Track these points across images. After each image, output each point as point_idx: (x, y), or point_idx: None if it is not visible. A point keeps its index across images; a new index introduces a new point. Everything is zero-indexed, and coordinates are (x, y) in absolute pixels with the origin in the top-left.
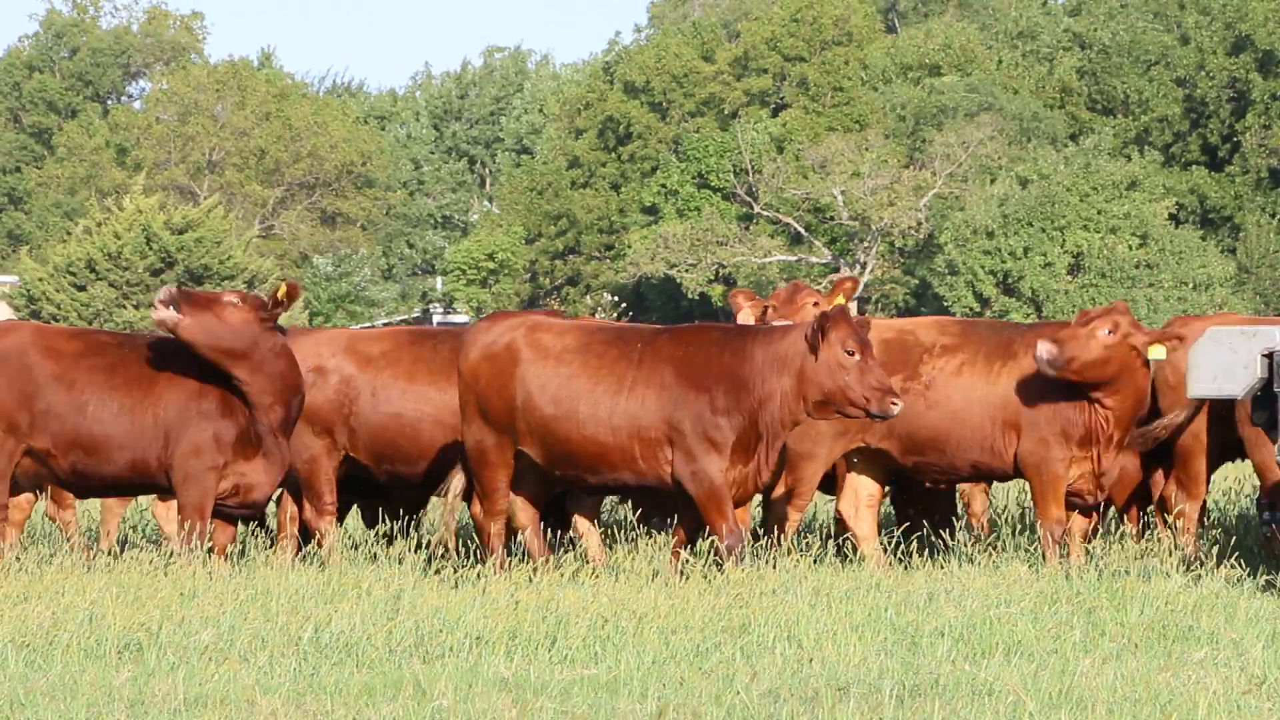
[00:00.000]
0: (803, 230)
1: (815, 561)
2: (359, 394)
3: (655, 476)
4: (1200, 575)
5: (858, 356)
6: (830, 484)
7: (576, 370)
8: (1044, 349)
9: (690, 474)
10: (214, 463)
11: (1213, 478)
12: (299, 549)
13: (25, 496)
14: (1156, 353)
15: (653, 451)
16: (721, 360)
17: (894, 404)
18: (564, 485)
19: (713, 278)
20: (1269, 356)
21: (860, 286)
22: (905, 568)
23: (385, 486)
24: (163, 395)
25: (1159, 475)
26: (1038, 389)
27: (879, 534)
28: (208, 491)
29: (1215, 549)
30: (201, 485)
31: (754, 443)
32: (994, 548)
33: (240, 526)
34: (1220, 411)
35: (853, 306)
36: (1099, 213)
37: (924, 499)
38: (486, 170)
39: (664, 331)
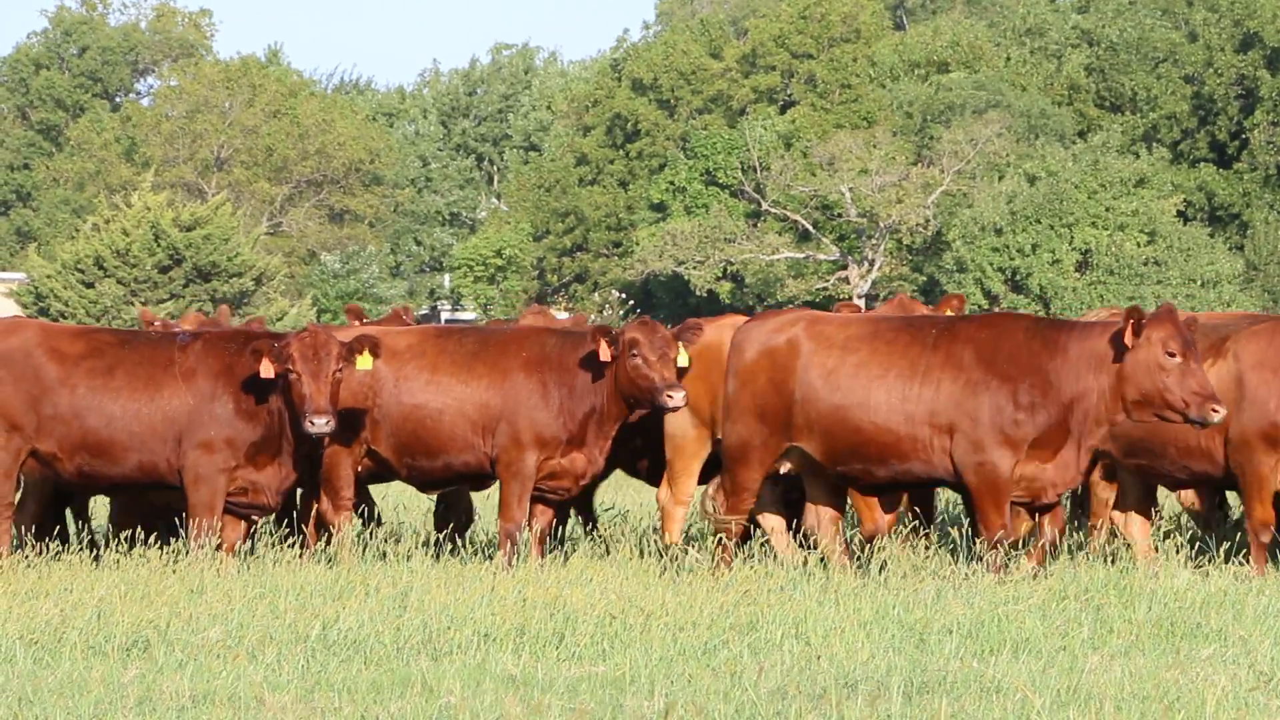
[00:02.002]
0: (810, 227)
1: (822, 559)
2: (383, 386)
3: (945, 468)
4: (1208, 573)
5: (1179, 359)
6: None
7: (866, 357)
8: None
9: (975, 465)
10: (225, 464)
11: None
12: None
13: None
14: None
15: (945, 441)
16: (1029, 351)
17: (1215, 411)
18: (846, 481)
19: (720, 275)
20: None
21: (868, 284)
22: (912, 566)
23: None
24: (173, 397)
25: None
26: (1245, 389)
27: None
28: (218, 492)
29: (1224, 547)
30: (212, 486)
31: (1060, 441)
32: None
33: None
34: None
35: (861, 304)
36: (1107, 210)
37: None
38: (494, 167)
39: (963, 318)
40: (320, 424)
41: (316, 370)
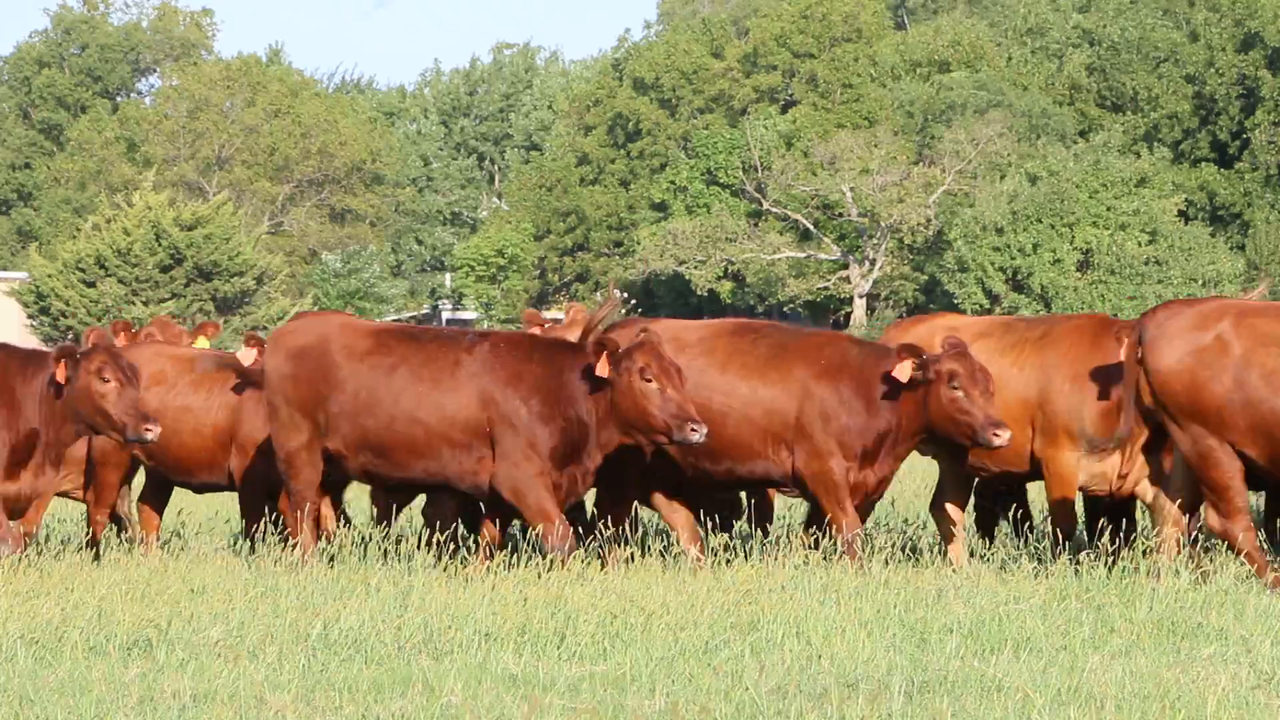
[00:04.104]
0: (811, 227)
1: (824, 558)
2: None
3: None
4: (1209, 572)
5: None
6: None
7: None
8: None
9: None
10: (539, 469)
11: None
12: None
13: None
14: None
15: None
16: None
17: None
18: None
19: (722, 274)
20: None
21: (869, 283)
22: (914, 564)
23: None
24: (469, 400)
25: None
26: None
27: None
28: (544, 492)
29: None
30: (536, 492)
31: None
32: (1002, 545)
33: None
34: None
35: (860, 304)
36: (1108, 209)
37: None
38: (496, 167)
39: None
40: (703, 431)
41: (674, 376)
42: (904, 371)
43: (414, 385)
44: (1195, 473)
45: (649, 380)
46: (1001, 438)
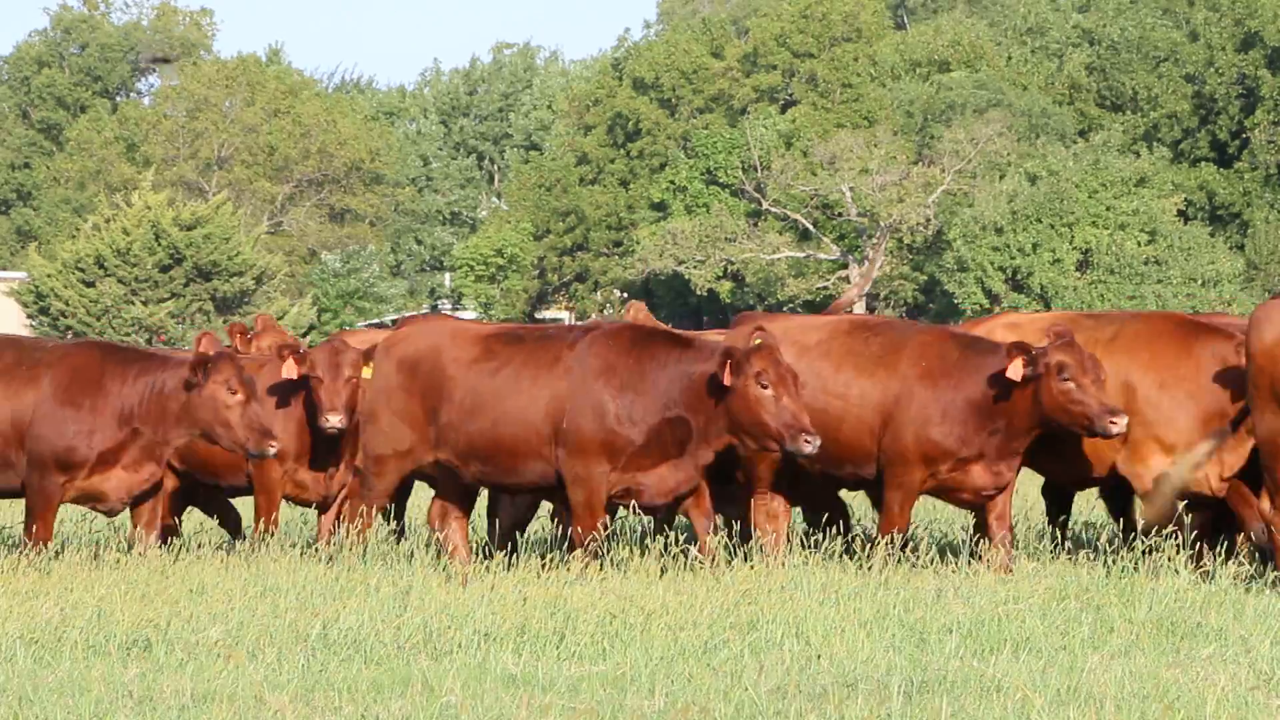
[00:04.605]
0: (811, 227)
1: (824, 559)
2: None
3: None
4: (1209, 572)
5: None
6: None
7: None
8: None
9: None
10: (605, 469)
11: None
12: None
13: None
14: None
15: None
16: None
17: None
18: None
19: (721, 274)
20: None
21: (869, 282)
22: (913, 565)
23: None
24: (560, 398)
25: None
26: None
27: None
28: (596, 492)
29: (1224, 545)
30: (589, 486)
31: None
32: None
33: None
34: None
35: (860, 305)
36: (1108, 209)
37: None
38: (495, 166)
39: None
40: (816, 442)
41: (790, 384)
42: (1016, 370)
43: (515, 387)
44: (1264, 460)
45: (765, 387)
46: (1119, 424)
